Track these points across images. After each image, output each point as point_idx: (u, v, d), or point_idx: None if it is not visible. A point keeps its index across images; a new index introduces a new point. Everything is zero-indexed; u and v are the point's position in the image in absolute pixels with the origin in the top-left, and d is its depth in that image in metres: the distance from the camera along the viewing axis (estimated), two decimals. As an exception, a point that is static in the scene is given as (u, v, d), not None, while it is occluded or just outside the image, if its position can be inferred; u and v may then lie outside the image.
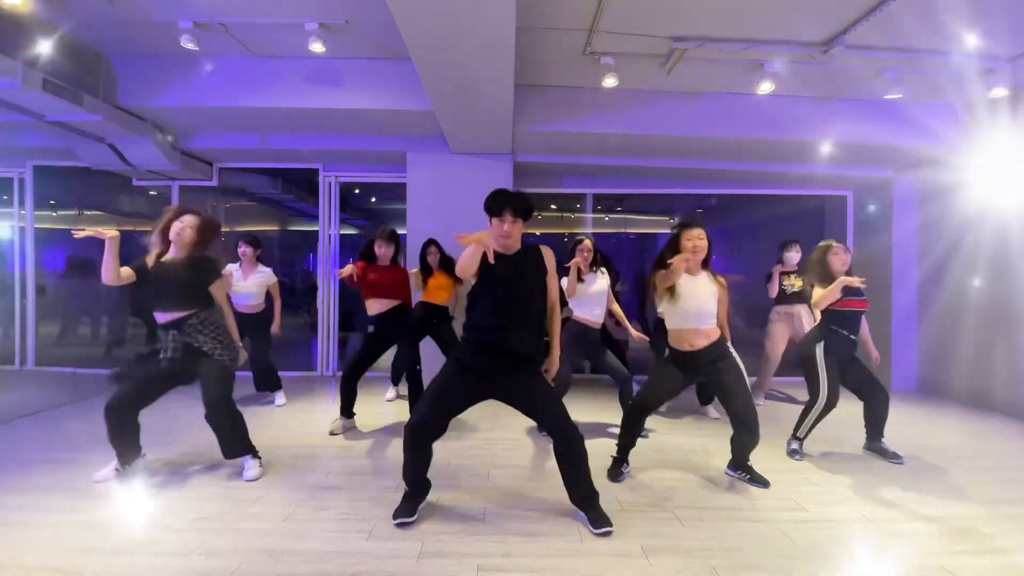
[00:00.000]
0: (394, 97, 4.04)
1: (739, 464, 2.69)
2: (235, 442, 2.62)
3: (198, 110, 4.16)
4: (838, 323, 3.00)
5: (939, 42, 3.47)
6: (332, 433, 3.38)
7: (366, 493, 2.47)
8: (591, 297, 3.36)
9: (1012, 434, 3.68)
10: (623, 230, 6.34)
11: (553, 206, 5.95)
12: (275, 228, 6.39)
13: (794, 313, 4.36)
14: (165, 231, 2.57)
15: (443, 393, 2.16)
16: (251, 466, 2.63)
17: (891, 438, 3.16)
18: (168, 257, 2.58)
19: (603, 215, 6.15)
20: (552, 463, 2.80)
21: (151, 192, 5.62)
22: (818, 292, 2.98)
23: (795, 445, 3.10)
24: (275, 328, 4.08)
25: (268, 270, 4.09)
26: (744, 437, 2.58)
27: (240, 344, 2.79)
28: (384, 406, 4.17)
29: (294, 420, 3.73)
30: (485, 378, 2.14)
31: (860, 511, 2.36)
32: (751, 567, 1.89)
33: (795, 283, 4.39)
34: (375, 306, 3.42)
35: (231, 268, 3.95)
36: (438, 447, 3.10)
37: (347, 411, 3.48)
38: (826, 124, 4.41)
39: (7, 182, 5.44)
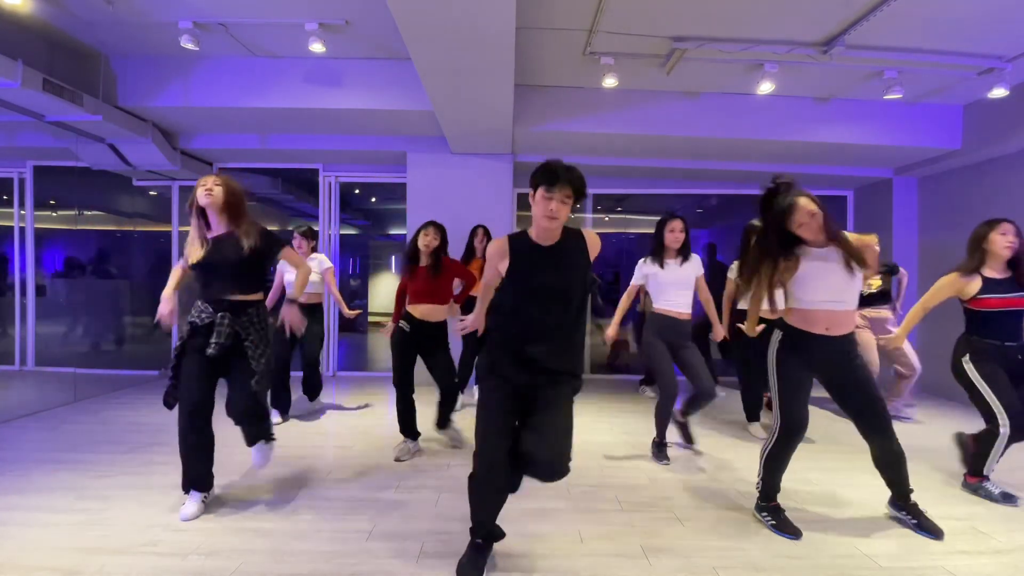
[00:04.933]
0: (394, 97, 4.04)
1: (901, 498, 2.23)
2: (258, 432, 2.39)
3: (198, 110, 4.16)
4: (981, 329, 2.46)
5: (939, 42, 3.47)
6: (399, 459, 2.94)
7: (366, 493, 2.47)
8: (675, 285, 2.98)
9: (1012, 434, 3.67)
10: (623, 230, 6.34)
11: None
12: (275, 228, 6.39)
13: (878, 318, 3.91)
14: (194, 204, 2.24)
15: (491, 420, 1.80)
16: (263, 451, 2.40)
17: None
18: (218, 233, 2.26)
19: (603, 215, 6.15)
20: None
21: (151, 192, 5.63)
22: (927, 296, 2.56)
23: (988, 485, 2.51)
24: (345, 310, 3.80)
25: (323, 255, 3.91)
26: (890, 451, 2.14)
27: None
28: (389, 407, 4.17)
29: (294, 420, 3.72)
30: (519, 381, 1.80)
31: (860, 511, 2.36)
32: (751, 567, 1.89)
33: (873, 283, 3.93)
34: (417, 311, 3.03)
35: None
36: (438, 448, 3.13)
37: (410, 431, 3.05)
38: (826, 124, 4.42)
39: (7, 182, 5.45)
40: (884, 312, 3.91)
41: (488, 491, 1.80)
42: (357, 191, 5.97)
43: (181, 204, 5.46)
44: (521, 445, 1.76)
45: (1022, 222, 4.16)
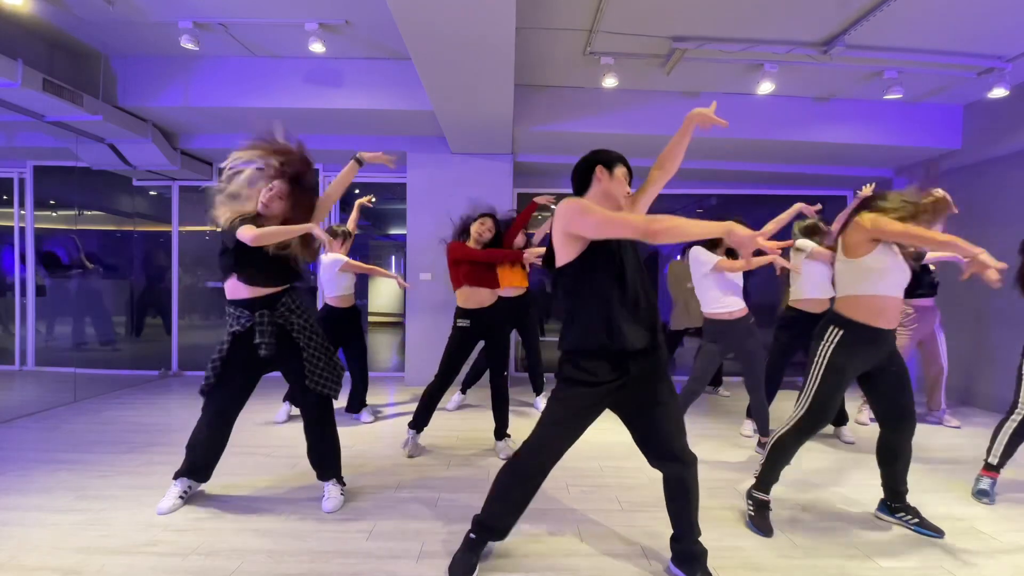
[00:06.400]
0: (394, 97, 4.04)
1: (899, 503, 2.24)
2: (331, 461, 2.35)
3: (198, 110, 4.16)
4: None
5: (939, 42, 3.47)
6: (411, 456, 2.97)
7: (366, 493, 2.47)
8: (725, 285, 2.89)
9: (1012, 434, 3.67)
10: (623, 230, 6.34)
11: (553, 206, 5.95)
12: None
13: (929, 307, 3.68)
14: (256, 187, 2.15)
15: (568, 419, 1.69)
16: (332, 495, 2.31)
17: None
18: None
19: (603, 215, 6.15)
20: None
21: (151, 192, 5.62)
22: None
23: (985, 484, 2.49)
24: (400, 280, 3.55)
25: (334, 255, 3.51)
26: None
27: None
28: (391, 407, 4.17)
29: (292, 420, 3.72)
30: (616, 387, 1.67)
31: (860, 511, 2.36)
32: (751, 567, 1.89)
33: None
34: (472, 299, 2.93)
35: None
36: (438, 448, 3.13)
37: (420, 422, 3.04)
38: (826, 124, 4.42)
39: (7, 182, 5.44)
40: (929, 302, 3.70)
41: (523, 481, 1.77)
42: (357, 191, 5.96)
43: (181, 204, 5.46)
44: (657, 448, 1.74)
45: (1022, 222, 4.20)
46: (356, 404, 3.73)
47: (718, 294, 2.93)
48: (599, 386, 1.65)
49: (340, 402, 3.88)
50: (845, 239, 2.12)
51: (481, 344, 3.21)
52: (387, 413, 3.97)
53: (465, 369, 4.10)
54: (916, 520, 2.16)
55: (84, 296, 5.77)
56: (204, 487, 2.44)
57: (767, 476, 2.19)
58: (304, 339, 2.23)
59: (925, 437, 3.54)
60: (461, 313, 2.97)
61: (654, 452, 1.75)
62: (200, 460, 2.31)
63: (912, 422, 2.11)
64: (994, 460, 2.49)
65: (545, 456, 1.74)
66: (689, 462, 1.73)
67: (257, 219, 2.14)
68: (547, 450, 1.73)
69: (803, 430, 2.10)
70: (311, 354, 2.23)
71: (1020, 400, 2.45)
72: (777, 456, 2.17)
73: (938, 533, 2.11)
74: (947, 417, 3.84)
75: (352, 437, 3.33)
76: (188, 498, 2.33)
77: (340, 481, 2.39)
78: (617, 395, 1.69)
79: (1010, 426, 2.46)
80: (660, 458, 1.74)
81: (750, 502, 2.22)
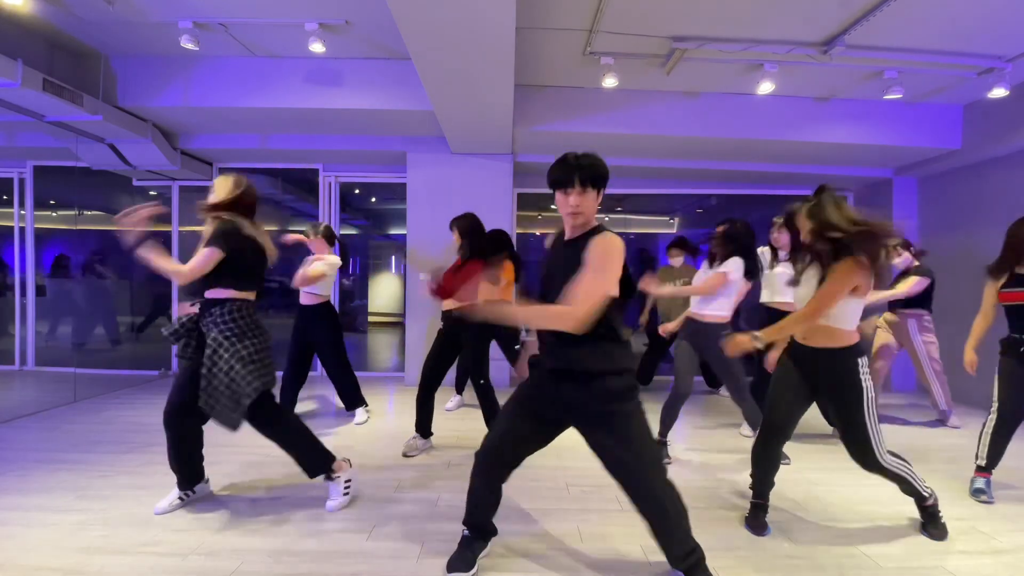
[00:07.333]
0: (394, 97, 4.04)
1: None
2: (303, 459, 2.31)
3: (198, 110, 4.16)
4: (1010, 325, 2.51)
5: (939, 42, 3.47)
6: (406, 455, 2.99)
7: (366, 493, 2.47)
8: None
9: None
10: (623, 230, 6.34)
11: (553, 206, 5.95)
12: (275, 228, 6.39)
13: (895, 323, 3.74)
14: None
15: (516, 416, 1.77)
16: (336, 495, 2.31)
17: (889, 439, 3.12)
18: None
19: (603, 215, 6.16)
20: (552, 461, 2.82)
21: (151, 192, 5.62)
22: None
23: (980, 483, 2.50)
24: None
25: (333, 257, 3.63)
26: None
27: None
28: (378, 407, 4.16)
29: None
30: (558, 406, 1.69)
31: (859, 511, 2.36)
32: (751, 567, 1.89)
33: (899, 287, 3.62)
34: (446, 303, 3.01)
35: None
36: (439, 448, 3.13)
37: (423, 429, 3.12)
38: (826, 124, 4.42)
39: (7, 182, 5.44)
40: (906, 313, 3.69)
41: (478, 476, 1.81)
42: (357, 191, 5.97)
43: (181, 204, 5.46)
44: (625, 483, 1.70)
45: (1022, 222, 4.15)
46: (347, 403, 3.75)
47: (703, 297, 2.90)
48: (536, 368, 1.74)
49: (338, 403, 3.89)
50: None
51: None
52: (386, 413, 3.97)
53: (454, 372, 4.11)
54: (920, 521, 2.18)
55: (84, 296, 5.77)
56: (206, 488, 2.43)
57: (761, 486, 2.20)
58: (210, 358, 2.06)
59: (926, 438, 3.55)
60: (442, 315, 3.14)
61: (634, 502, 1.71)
62: (172, 464, 2.25)
63: (860, 461, 2.04)
64: (982, 462, 2.53)
65: (496, 455, 1.79)
66: (665, 498, 1.68)
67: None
68: (499, 448, 1.78)
69: (766, 431, 2.14)
70: (209, 382, 2.06)
71: (995, 399, 2.50)
72: (760, 464, 2.18)
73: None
74: (951, 418, 3.84)
75: (352, 437, 3.33)
76: (189, 501, 2.32)
77: (329, 477, 2.32)
78: (568, 416, 1.69)
79: (989, 427, 2.52)
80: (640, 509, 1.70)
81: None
